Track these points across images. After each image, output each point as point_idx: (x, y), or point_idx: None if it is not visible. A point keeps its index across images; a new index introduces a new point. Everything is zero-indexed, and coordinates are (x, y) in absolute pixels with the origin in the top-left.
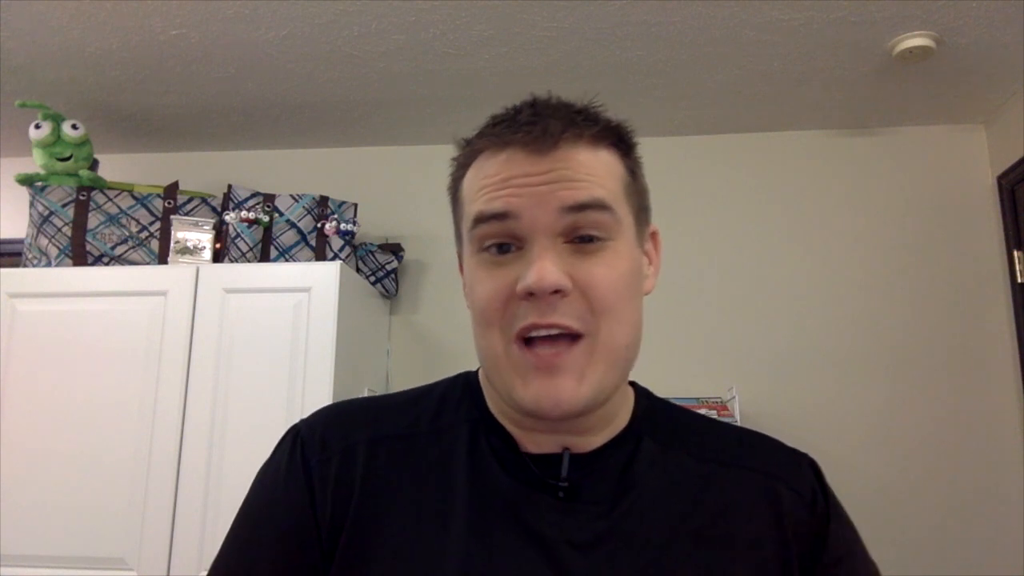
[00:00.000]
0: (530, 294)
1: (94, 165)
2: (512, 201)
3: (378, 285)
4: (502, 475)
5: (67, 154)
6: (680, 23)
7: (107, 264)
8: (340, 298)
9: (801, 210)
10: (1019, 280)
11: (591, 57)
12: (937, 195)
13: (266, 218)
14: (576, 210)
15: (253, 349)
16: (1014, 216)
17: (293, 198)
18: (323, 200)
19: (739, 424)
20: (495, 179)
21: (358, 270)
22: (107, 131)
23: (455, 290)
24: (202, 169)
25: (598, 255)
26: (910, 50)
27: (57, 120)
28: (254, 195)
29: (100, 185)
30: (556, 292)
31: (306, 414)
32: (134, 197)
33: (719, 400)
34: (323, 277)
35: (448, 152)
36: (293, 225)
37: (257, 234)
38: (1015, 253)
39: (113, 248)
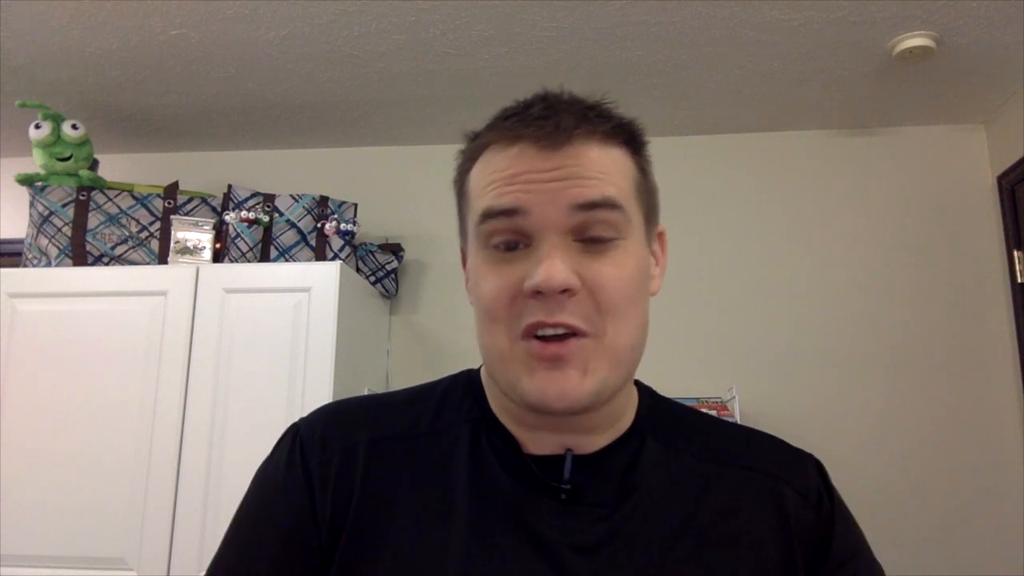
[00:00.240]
0: (538, 292)
1: (94, 165)
2: (522, 197)
3: (378, 285)
4: (503, 476)
5: (67, 154)
6: (680, 23)
7: (107, 264)
8: (340, 298)
9: (801, 210)
10: (1019, 280)
11: (591, 57)
12: (937, 195)
13: (266, 218)
14: (587, 208)
15: (253, 349)
16: (1014, 216)
17: (293, 198)
18: (323, 200)
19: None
20: (504, 174)
21: (358, 270)
22: (107, 131)
23: (455, 290)
24: (202, 169)
25: (607, 254)
26: (910, 50)
27: (57, 120)
28: (254, 195)
29: (100, 185)
30: (564, 291)
31: (306, 414)
32: (134, 197)
33: (719, 400)
34: (323, 277)
35: (448, 152)
36: (293, 225)
37: (257, 234)
38: (1015, 253)
39: (113, 248)
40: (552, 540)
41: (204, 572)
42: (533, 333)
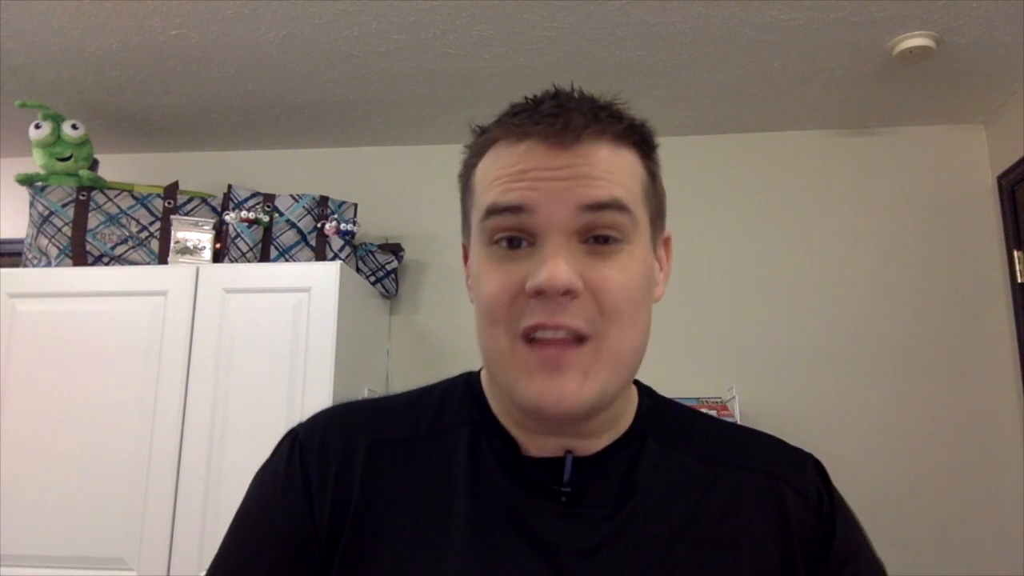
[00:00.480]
0: (540, 293)
1: (94, 165)
2: (528, 195)
3: (378, 285)
4: (503, 479)
5: (67, 154)
6: (680, 23)
7: (107, 264)
8: (340, 298)
9: (801, 210)
10: (1019, 280)
11: (591, 57)
12: (937, 195)
13: (266, 218)
14: (594, 209)
15: (253, 349)
16: (1014, 216)
17: (293, 198)
18: (323, 200)
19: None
20: (512, 170)
21: (358, 270)
22: (107, 131)
23: (455, 290)
24: (202, 169)
25: (612, 257)
26: (910, 50)
27: (57, 120)
28: (254, 195)
29: (100, 185)
30: (566, 293)
31: (306, 414)
32: (134, 197)
33: (719, 400)
34: (323, 277)
35: (448, 152)
36: (293, 225)
37: (257, 234)
38: (1015, 253)
39: (113, 248)
40: (552, 542)
41: (204, 573)
42: (533, 334)
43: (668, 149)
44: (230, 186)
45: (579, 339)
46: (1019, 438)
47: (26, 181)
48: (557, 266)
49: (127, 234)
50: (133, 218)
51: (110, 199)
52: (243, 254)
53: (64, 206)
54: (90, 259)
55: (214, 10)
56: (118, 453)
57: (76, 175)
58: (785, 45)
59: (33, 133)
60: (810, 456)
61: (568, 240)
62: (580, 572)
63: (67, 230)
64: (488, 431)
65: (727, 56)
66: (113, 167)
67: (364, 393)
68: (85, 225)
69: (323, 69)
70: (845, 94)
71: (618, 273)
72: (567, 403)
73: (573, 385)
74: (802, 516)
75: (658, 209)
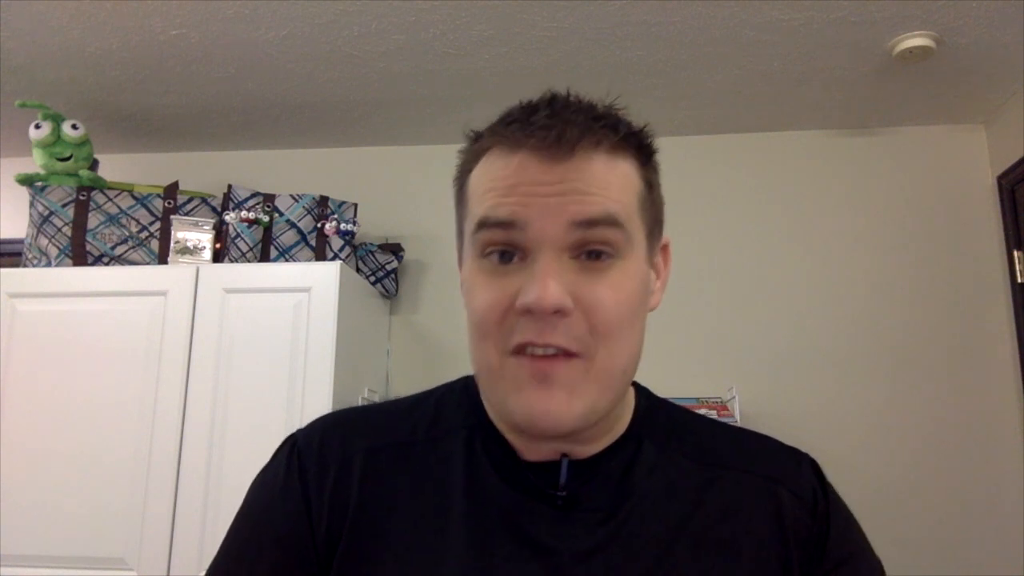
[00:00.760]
0: (529, 311)
1: (94, 165)
2: (519, 210)
3: (378, 285)
4: (499, 483)
5: (67, 154)
6: (680, 23)
7: (107, 264)
8: (340, 298)
9: (801, 210)
10: (1019, 280)
11: (591, 57)
12: (937, 195)
13: (266, 218)
14: (586, 225)
15: (253, 349)
16: (1014, 216)
17: (293, 198)
18: (323, 200)
19: (739, 424)
20: (504, 183)
21: (358, 270)
22: (107, 131)
23: (455, 290)
24: (202, 169)
25: (605, 274)
26: (910, 50)
27: (57, 120)
28: (254, 195)
29: (100, 185)
30: (556, 312)
31: (306, 414)
32: (134, 197)
33: (719, 400)
34: (323, 277)
35: (448, 152)
36: (293, 225)
37: (257, 234)
38: (1015, 253)
39: (113, 248)
40: (549, 546)
41: (203, 573)
42: (523, 351)
43: (668, 149)
44: (230, 186)
45: (568, 355)
46: (1019, 438)
47: (26, 181)
48: (547, 285)
49: (127, 234)
50: (133, 218)
51: (110, 199)
52: (243, 254)
53: (64, 206)
54: (90, 259)
55: (214, 10)
56: (118, 453)
57: (76, 175)
58: (785, 45)
59: (33, 133)
60: (806, 456)
61: (560, 256)
62: (577, 575)
63: (67, 230)
64: (485, 435)
65: (727, 56)
66: (113, 167)
67: (364, 393)
68: (85, 225)
69: (323, 69)
70: (845, 94)
71: (610, 291)
72: (553, 420)
73: (562, 400)
74: (798, 516)
75: (656, 218)
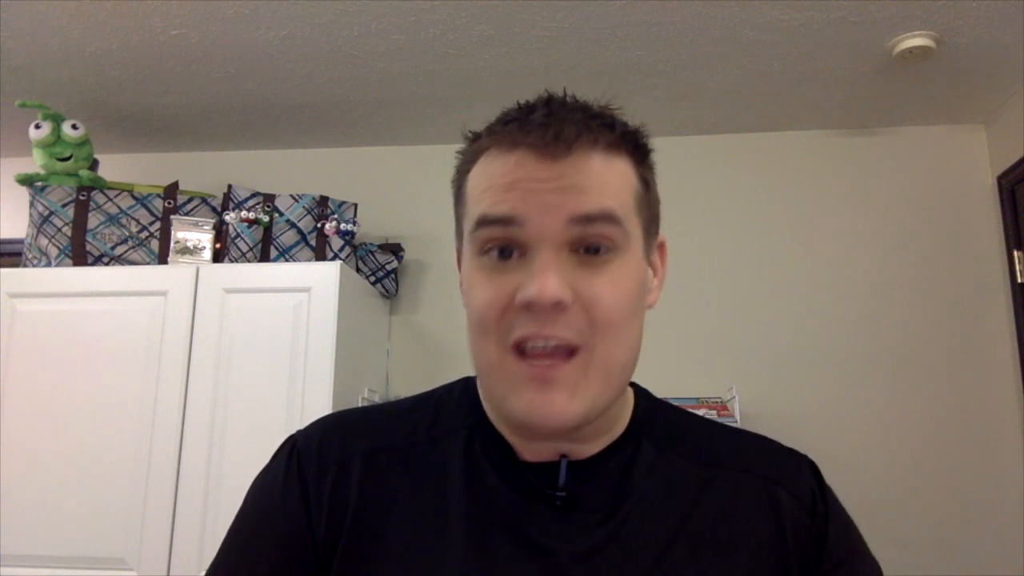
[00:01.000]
0: (530, 305)
1: (94, 165)
2: (518, 207)
3: (378, 285)
4: (499, 484)
5: (67, 154)
6: (680, 23)
7: (107, 264)
8: (340, 298)
9: (801, 210)
10: (1019, 280)
11: (591, 57)
12: (937, 195)
13: (266, 218)
14: (584, 221)
15: (253, 349)
16: (1014, 216)
17: (293, 198)
18: (323, 200)
19: (739, 424)
20: (502, 181)
21: (358, 270)
22: (107, 131)
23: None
24: (202, 169)
25: (603, 269)
26: (910, 50)
27: (57, 120)
28: (254, 195)
29: (100, 185)
30: (556, 305)
31: (306, 414)
32: (134, 197)
33: (719, 400)
34: (323, 277)
35: (448, 152)
36: (293, 225)
37: (257, 234)
38: (1015, 253)
39: (113, 248)
40: (548, 547)
41: (203, 573)
42: (523, 346)
43: (668, 149)
44: (230, 186)
45: (569, 352)
46: (1019, 438)
47: (26, 181)
48: (547, 279)
49: (127, 234)
50: (133, 218)
51: (110, 199)
52: (243, 254)
53: (64, 206)
54: (90, 259)
55: (214, 10)
56: (118, 453)
57: (76, 175)
58: (785, 45)
59: (33, 133)
60: (805, 457)
61: (558, 252)
62: None
63: (67, 230)
64: (484, 436)
65: (727, 56)
66: (113, 167)
67: (364, 393)
68: (85, 225)
69: (323, 69)
70: (845, 94)
71: (608, 286)
72: (555, 418)
73: (562, 401)
74: (796, 517)
75: (652, 216)
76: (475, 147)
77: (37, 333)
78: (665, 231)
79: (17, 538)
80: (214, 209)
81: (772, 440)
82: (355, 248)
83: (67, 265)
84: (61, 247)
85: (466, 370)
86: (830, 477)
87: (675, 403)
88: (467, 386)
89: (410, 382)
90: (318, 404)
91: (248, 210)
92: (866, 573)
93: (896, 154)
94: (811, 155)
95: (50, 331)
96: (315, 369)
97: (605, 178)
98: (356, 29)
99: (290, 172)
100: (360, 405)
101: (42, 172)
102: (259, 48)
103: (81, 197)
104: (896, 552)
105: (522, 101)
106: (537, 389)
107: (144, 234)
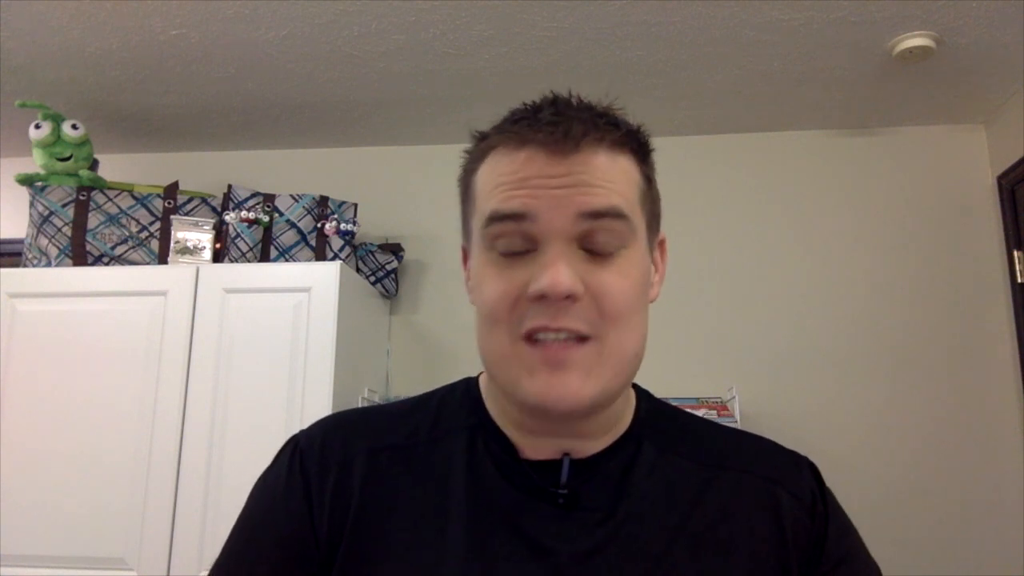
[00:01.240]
0: (542, 297)
1: (94, 165)
2: (529, 202)
3: (378, 285)
4: (501, 483)
5: (67, 154)
6: (680, 23)
7: (107, 264)
8: (340, 298)
9: (801, 210)
10: (1019, 280)
11: (591, 57)
12: (937, 195)
13: (266, 218)
14: (593, 217)
15: (253, 349)
16: (1014, 216)
17: (293, 198)
18: (323, 200)
19: (739, 424)
20: (512, 178)
21: (358, 270)
22: (107, 131)
23: (455, 290)
24: (202, 169)
25: (611, 262)
26: (910, 50)
27: (57, 120)
28: (254, 195)
29: (100, 185)
30: (568, 297)
31: (306, 414)
32: (134, 197)
33: (719, 400)
34: (323, 277)
35: (448, 152)
36: (293, 225)
37: (257, 234)
38: (1015, 253)
39: (113, 248)
40: (549, 546)
41: (204, 573)
42: (534, 337)
43: (668, 149)
44: (230, 186)
45: (581, 339)
46: (1019, 438)
47: (26, 181)
48: (559, 271)
49: (127, 234)
50: (133, 218)
51: (110, 199)
52: (243, 254)
53: (64, 206)
54: (90, 259)
55: (214, 10)
56: (118, 453)
57: (76, 175)
58: (785, 45)
59: (33, 133)
60: (804, 458)
61: (568, 246)
62: (577, 575)
63: (67, 230)
64: (485, 435)
65: (727, 56)
66: (113, 167)
67: (364, 393)
68: (85, 225)
69: (323, 69)
70: (845, 94)
71: (618, 278)
72: (569, 400)
73: (576, 383)
74: (797, 517)
75: (654, 213)
76: (483, 145)
77: (37, 333)
78: (665, 231)
79: (17, 538)
80: (214, 209)
81: (772, 441)
82: (355, 248)
83: (67, 265)
84: (61, 247)
85: (466, 370)
86: (830, 477)
87: (675, 403)
88: (469, 386)
89: (410, 382)
90: (318, 404)
91: (248, 210)
92: (866, 573)
93: (896, 154)
94: (811, 155)
95: (50, 331)
96: (315, 369)
97: (611, 175)
98: (356, 29)
99: (290, 172)
100: (360, 405)
101: (42, 172)
102: (259, 48)
103: (81, 197)
104: (896, 552)
105: (525, 101)
106: (552, 371)
107: (144, 234)
